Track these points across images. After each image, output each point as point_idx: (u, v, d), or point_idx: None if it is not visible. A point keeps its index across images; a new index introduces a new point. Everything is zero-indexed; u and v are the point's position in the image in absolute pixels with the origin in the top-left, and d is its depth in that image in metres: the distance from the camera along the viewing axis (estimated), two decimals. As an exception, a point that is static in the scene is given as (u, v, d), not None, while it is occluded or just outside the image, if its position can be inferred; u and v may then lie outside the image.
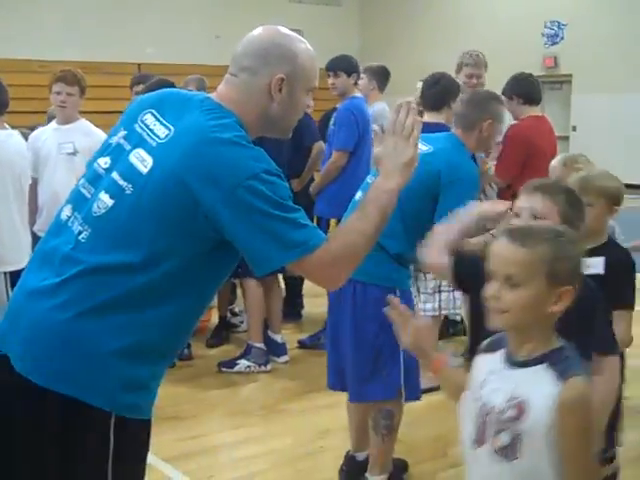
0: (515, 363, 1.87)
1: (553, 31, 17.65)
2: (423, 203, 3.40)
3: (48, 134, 4.99)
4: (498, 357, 1.93)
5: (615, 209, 3.09)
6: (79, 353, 1.95)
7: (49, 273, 2.02)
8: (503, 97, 4.94)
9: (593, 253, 2.73)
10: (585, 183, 2.97)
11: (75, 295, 1.97)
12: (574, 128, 16.11)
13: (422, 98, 4.70)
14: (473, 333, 2.71)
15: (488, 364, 1.95)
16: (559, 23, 17.49)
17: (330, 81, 5.84)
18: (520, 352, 1.87)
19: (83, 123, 5.02)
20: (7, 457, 2.04)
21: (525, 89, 5.33)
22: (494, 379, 1.89)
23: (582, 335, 2.45)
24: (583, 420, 1.77)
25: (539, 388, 1.79)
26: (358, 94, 5.99)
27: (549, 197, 2.43)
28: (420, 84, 5.33)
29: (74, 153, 4.84)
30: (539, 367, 1.82)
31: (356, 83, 5.98)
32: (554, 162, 3.83)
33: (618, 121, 15.52)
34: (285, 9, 17.98)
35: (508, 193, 4.75)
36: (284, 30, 2.20)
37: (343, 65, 5.84)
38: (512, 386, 1.83)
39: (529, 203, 2.44)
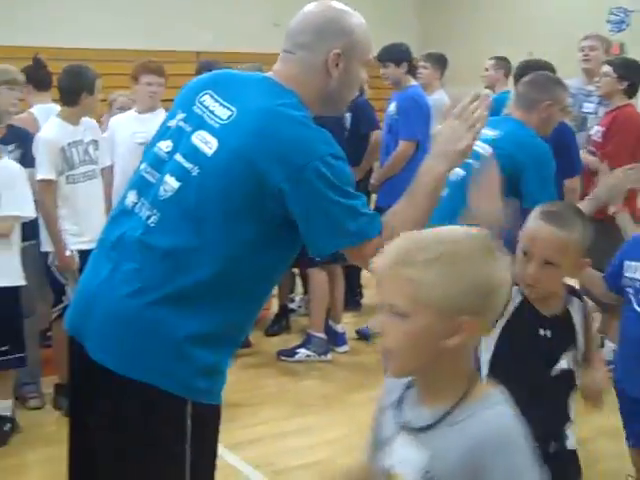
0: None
1: (619, 18, 17.29)
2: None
3: (125, 121, 5.14)
4: None
5: None
6: (156, 340, 1.95)
7: (120, 260, 2.01)
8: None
9: None
10: None
11: (150, 281, 1.96)
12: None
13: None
14: None
15: None
16: (625, 10, 17.13)
17: (381, 71, 5.77)
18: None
19: (162, 113, 5.08)
20: (89, 444, 2.05)
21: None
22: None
23: None
24: None
25: None
26: (413, 82, 5.89)
27: None
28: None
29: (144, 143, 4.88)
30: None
31: (409, 71, 5.86)
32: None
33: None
34: (343, -3, 17.86)
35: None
36: (337, 5, 2.18)
37: (389, 55, 5.71)
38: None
39: None
